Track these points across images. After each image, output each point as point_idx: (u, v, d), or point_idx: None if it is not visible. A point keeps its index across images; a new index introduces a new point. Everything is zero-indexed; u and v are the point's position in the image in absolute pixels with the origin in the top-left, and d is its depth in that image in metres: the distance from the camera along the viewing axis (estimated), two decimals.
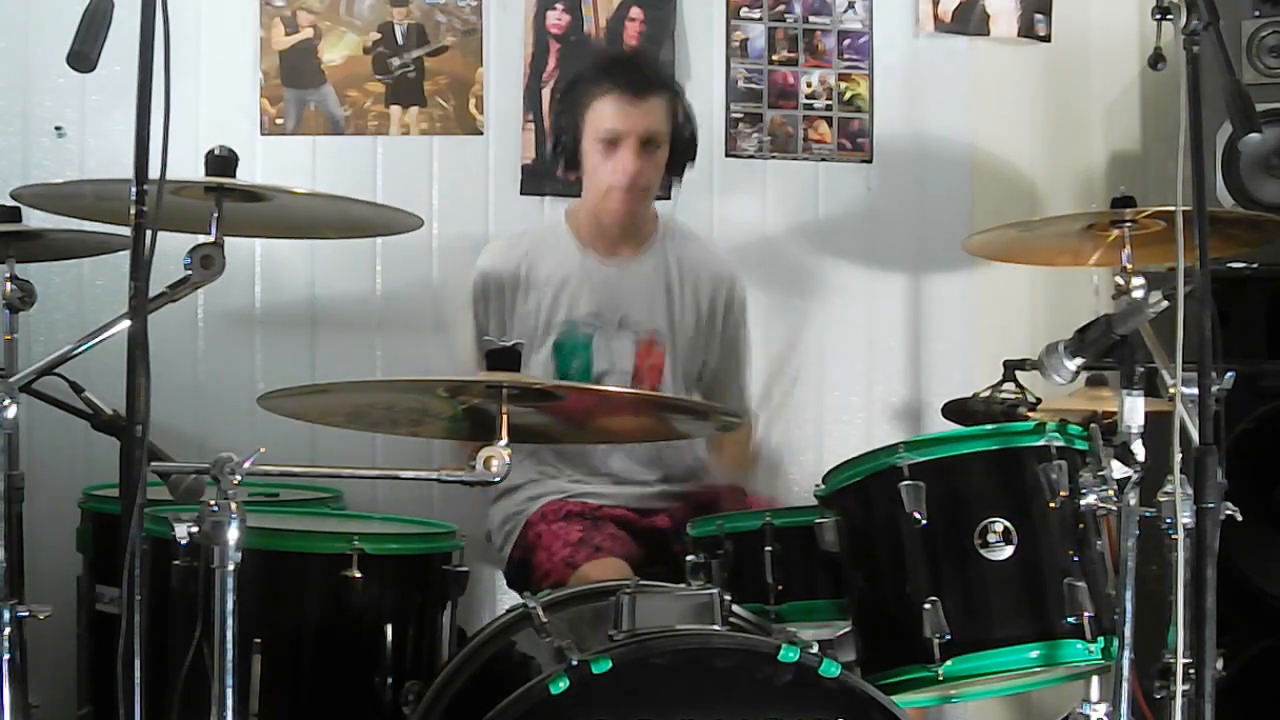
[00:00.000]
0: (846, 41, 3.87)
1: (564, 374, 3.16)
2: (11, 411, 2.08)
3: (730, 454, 3.28)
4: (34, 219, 2.80)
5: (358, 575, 2.33)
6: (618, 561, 2.91)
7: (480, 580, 3.49)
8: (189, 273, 2.16)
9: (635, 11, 3.74)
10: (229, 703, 1.94)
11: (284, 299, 3.61)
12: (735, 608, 2.34)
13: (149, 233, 1.86)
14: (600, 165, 3.08)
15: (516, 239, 3.30)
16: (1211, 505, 2.09)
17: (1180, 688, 2.17)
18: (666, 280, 3.24)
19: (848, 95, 3.87)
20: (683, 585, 2.42)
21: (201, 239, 2.18)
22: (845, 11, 3.87)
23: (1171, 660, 2.18)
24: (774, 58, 3.83)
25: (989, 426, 2.56)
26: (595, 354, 3.17)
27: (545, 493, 3.14)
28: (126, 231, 1.87)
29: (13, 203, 2.69)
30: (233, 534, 1.94)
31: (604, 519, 3.08)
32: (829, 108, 3.86)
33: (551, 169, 3.29)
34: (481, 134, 3.69)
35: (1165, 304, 2.27)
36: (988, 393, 2.86)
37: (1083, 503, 2.30)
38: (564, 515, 3.08)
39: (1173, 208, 2.20)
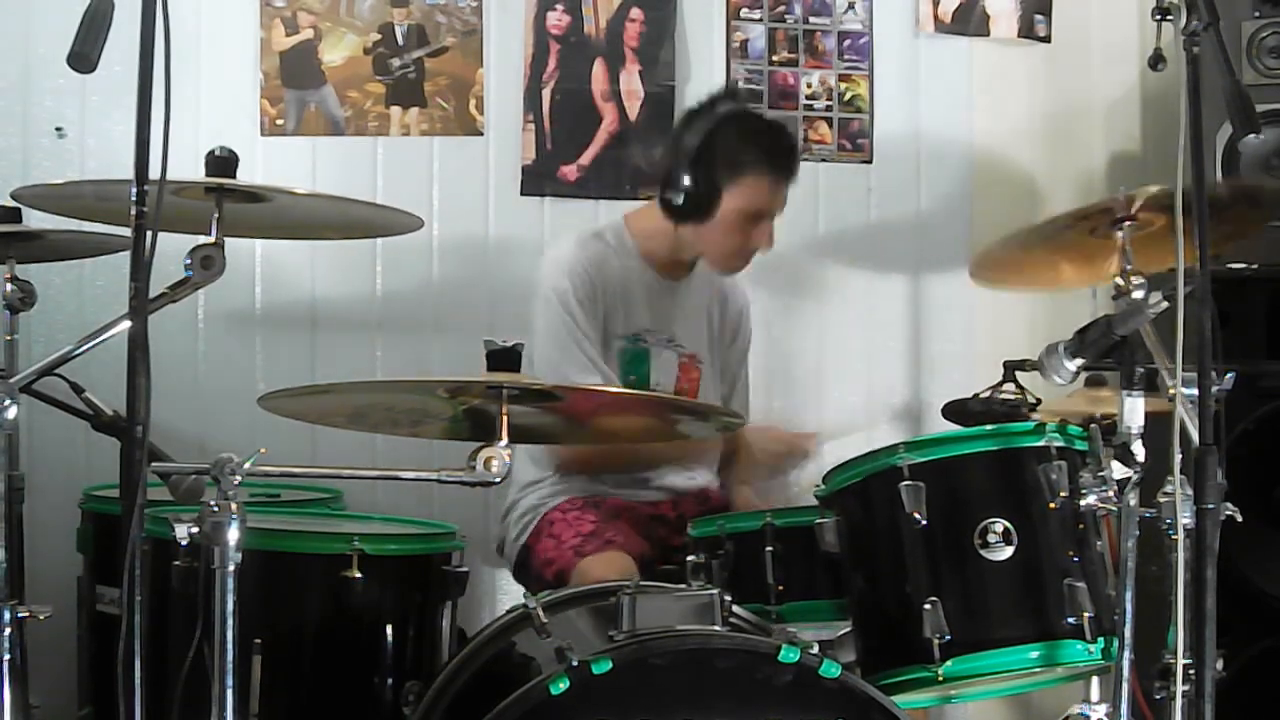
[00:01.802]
0: (846, 42, 3.87)
1: (624, 384, 3.11)
2: (11, 412, 2.07)
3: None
4: (34, 219, 2.80)
5: (358, 575, 2.33)
6: (623, 557, 2.91)
7: (480, 580, 3.50)
8: (189, 273, 2.16)
9: (635, 12, 3.74)
10: (229, 703, 1.94)
11: (284, 299, 3.61)
12: (735, 608, 2.34)
13: (149, 233, 1.85)
14: (736, 231, 3.03)
15: (586, 241, 3.16)
16: (1211, 505, 2.09)
17: (1180, 688, 2.16)
18: (708, 304, 3.27)
19: (848, 96, 3.87)
20: (683, 586, 2.42)
21: (202, 239, 2.17)
22: (845, 12, 3.87)
23: (1171, 660, 2.18)
24: (774, 58, 3.83)
25: (989, 427, 2.56)
26: (651, 368, 3.16)
27: (569, 489, 3.12)
28: (126, 232, 1.87)
29: (13, 203, 2.69)
30: (233, 534, 1.94)
31: (618, 511, 3.08)
32: (829, 108, 3.86)
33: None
34: (481, 134, 3.69)
35: (1165, 304, 2.27)
36: (988, 393, 2.86)
37: (1083, 503, 2.30)
38: (580, 506, 3.07)
39: (1171, 192, 2.19)
